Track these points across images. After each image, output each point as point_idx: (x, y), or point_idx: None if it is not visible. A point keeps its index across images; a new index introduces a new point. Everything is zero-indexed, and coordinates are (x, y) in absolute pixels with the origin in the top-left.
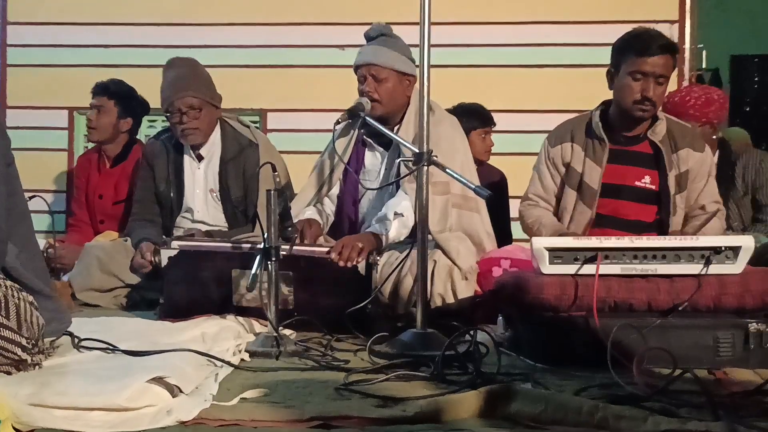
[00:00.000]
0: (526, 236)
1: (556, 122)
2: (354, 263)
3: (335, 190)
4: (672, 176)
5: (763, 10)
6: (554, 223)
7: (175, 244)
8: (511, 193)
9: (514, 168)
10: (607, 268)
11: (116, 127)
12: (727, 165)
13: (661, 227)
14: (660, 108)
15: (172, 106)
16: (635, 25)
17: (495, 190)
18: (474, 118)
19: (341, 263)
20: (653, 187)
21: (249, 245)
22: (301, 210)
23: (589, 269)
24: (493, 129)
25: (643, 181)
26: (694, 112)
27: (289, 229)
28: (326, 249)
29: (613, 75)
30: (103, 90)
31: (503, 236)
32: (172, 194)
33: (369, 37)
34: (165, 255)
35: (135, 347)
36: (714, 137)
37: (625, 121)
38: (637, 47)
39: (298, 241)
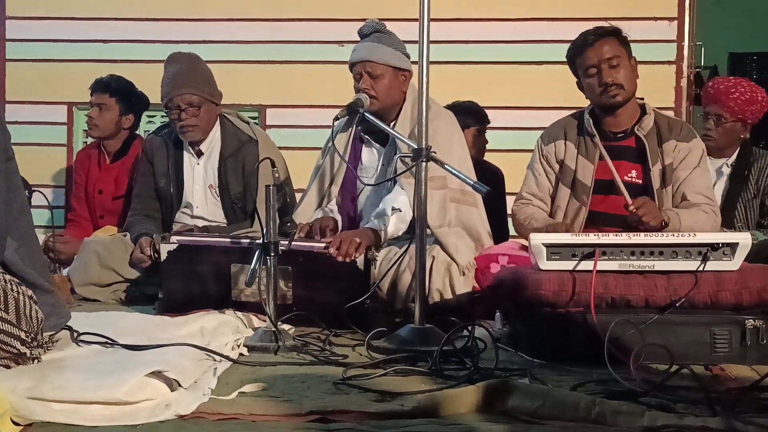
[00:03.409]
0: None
1: (554, 119)
2: (352, 258)
3: (336, 189)
4: (656, 170)
5: (761, 9)
6: (546, 218)
7: (174, 239)
8: (507, 189)
9: (512, 164)
10: (604, 264)
11: (118, 124)
12: (745, 165)
13: None
14: (630, 88)
15: (171, 102)
16: (634, 22)
17: (492, 187)
18: (468, 115)
19: (340, 258)
20: (639, 181)
21: (248, 240)
22: (309, 216)
23: (586, 265)
24: (488, 126)
25: (630, 175)
26: (734, 105)
27: (288, 224)
28: (324, 244)
29: (579, 84)
30: (104, 87)
31: (500, 233)
32: (171, 190)
33: (363, 34)
34: (164, 250)
35: (134, 342)
36: (742, 136)
37: (606, 114)
38: (577, 48)
39: (316, 237)
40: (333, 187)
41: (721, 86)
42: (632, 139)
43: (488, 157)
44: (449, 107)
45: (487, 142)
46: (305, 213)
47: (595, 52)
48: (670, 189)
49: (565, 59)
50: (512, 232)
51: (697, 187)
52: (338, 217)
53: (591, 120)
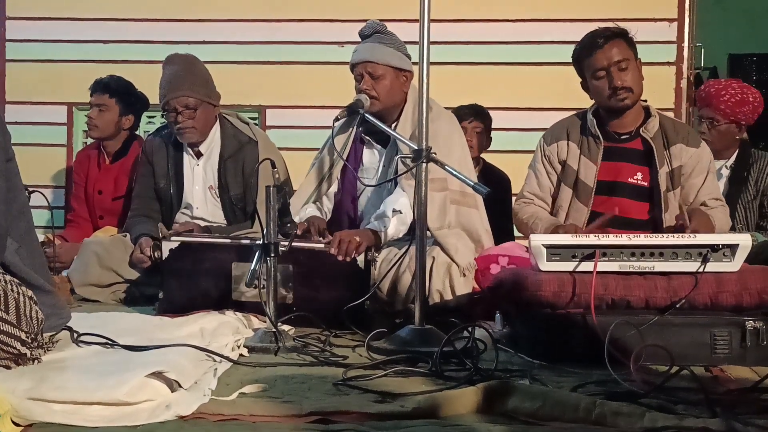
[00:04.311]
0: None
1: (555, 120)
2: (352, 257)
3: (333, 187)
4: (663, 172)
5: (761, 10)
6: (550, 218)
7: (175, 237)
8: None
9: (512, 165)
10: (604, 266)
11: (118, 125)
12: (744, 166)
13: (655, 225)
14: (638, 90)
15: (168, 105)
16: (634, 23)
17: (498, 189)
18: (467, 110)
19: (340, 257)
20: (645, 183)
21: (248, 241)
22: (301, 207)
23: (587, 266)
24: (485, 124)
25: (635, 177)
26: (725, 107)
27: (288, 225)
28: (324, 243)
29: (585, 85)
30: (104, 88)
31: (505, 235)
32: (171, 191)
33: (363, 35)
34: (166, 247)
35: (134, 342)
36: (738, 138)
37: (612, 117)
38: (585, 50)
39: (314, 237)
40: (326, 184)
41: (712, 89)
42: (638, 141)
43: (490, 158)
44: (454, 111)
45: (485, 138)
46: (294, 206)
47: (605, 55)
48: (678, 191)
49: (566, 60)
50: (517, 234)
51: (712, 192)
52: (327, 215)
53: (594, 120)
